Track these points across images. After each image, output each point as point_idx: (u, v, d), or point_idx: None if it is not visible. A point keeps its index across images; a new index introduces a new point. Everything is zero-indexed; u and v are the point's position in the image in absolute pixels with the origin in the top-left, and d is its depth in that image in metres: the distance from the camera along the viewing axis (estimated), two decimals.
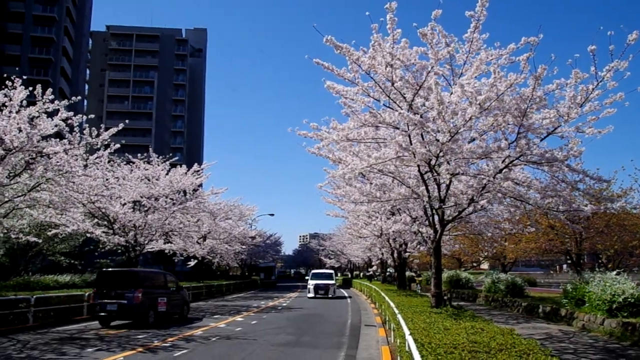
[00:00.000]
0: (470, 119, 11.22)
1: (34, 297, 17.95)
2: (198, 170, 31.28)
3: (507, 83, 11.05)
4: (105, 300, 17.98)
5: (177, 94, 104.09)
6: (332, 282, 38.85)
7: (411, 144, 11.86)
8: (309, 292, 37.16)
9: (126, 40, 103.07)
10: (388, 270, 47.48)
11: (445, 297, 14.95)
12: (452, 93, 11.60)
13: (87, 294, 20.39)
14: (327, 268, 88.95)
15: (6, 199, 17.64)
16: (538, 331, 15.65)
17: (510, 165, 12.18)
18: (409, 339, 7.69)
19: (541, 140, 12.32)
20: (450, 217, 14.21)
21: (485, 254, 35.09)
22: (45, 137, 17.67)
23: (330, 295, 36.62)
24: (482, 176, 12.26)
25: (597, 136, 12.01)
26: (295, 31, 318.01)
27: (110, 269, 21.04)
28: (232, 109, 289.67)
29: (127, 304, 17.85)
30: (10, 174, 17.40)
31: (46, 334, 15.48)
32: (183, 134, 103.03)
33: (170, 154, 32.06)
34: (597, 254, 28.70)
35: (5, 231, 19.12)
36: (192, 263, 39.84)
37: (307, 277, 63.12)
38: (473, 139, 12.53)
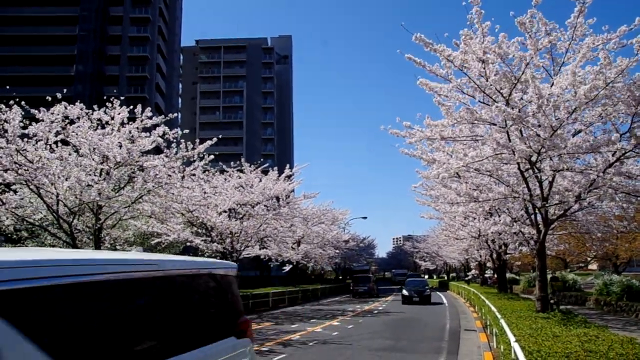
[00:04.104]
0: (574, 110, 10.44)
1: None
2: (290, 176, 31.73)
3: (618, 69, 10.13)
4: (357, 287, 44.43)
5: (266, 102, 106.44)
6: None
7: (509, 141, 11.25)
8: None
9: (214, 53, 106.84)
10: (486, 272, 45.82)
11: (552, 301, 14.05)
12: (552, 84, 10.86)
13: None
14: (420, 271, 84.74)
15: (112, 211, 18.72)
16: None
17: (622, 158, 11.22)
18: (515, 346, 7.27)
19: None
20: (555, 216, 13.37)
21: (594, 253, 32.88)
22: (145, 152, 18.71)
23: None
24: (590, 171, 11.37)
25: None
26: (382, 31, 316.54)
27: (357, 275, 50.11)
28: (320, 112, 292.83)
29: (367, 289, 44.06)
30: (115, 188, 18.48)
31: None
32: (273, 140, 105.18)
33: (262, 160, 32.86)
34: None
35: (113, 241, 20.34)
36: (287, 268, 40.50)
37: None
38: (578, 132, 11.67)
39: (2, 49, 73.93)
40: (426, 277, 79.10)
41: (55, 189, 16.46)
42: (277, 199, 30.71)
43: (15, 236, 24.83)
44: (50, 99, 17.42)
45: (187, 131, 21.07)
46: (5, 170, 15.69)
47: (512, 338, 8.02)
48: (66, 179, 16.20)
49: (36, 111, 16.71)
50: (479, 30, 10.63)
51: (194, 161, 21.14)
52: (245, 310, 23.63)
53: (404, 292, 33.38)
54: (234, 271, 5.18)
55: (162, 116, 19.08)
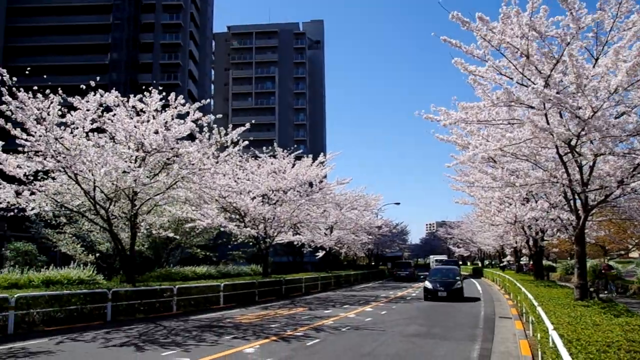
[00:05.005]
0: (616, 91, 9.99)
1: (176, 287, 19.25)
2: (323, 162, 31.70)
3: None
4: (399, 272, 50.54)
5: (298, 87, 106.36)
6: None
7: (548, 123, 10.87)
8: None
9: (246, 39, 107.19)
10: (522, 259, 45.01)
11: (592, 289, 13.68)
12: (594, 65, 10.41)
13: (222, 284, 21.98)
14: (454, 257, 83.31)
15: (148, 197, 19.00)
16: None
17: None
18: (553, 334, 7.07)
19: None
20: (595, 202, 12.94)
21: (636, 241, 31.95)
22: (180, 139, 18.93)
23: None
24: (634, 155, 10.90)
25: None
26: (416, 15, 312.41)
27: (399, 261, 61.65)
28: (353, 97, 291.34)
29: (408, 273, 49.84)
30: (150, 174, 18.75)
31: (187, 321, 16.42)
32: (305, 126, 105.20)
33: (295, 146, 32.88)
34: None
35: (148, 227, 20.73)
36: (320, 254, 40.61)
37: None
38: (622, 114, 11.18)
39: (38, 39, 75.68)
40: (460, 263, 76.14)
41: (92, 175, 16.78)
42: (310, 184, 30.72)
43: (54, 222, 25.54)
44: (84, 87, 17.71)
45: (220, 116, 21.18)
46: (45, 158, 16.07)
47: (550, 326, 7.81)
48: (103, 166, 16.48)
49: (72, 99, 17.01)
50: (529, 3, 10.19)
51: (228, 147, 21.30)
52: (278, 295, 23.10)
53: (427, 284, 26.15)
54: None
55: (196, 103, 19.23)
